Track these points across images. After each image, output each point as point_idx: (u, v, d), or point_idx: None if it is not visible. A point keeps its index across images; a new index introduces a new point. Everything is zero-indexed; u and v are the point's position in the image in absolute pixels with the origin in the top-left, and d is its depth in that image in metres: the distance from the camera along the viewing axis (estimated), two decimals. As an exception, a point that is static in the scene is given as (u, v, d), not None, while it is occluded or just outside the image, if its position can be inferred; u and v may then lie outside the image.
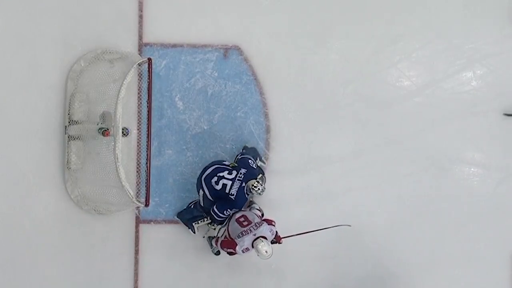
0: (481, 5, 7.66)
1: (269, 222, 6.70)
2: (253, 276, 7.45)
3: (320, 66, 7.53)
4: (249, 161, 6.90)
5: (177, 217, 7.27)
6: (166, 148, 7.34)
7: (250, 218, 6.70)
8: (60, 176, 7.18)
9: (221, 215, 6.77)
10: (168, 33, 7.34)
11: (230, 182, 6.71)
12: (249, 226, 6.60)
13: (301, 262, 7.48)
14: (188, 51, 7.38)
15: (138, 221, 7.33)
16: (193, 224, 7.17)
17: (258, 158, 7.30)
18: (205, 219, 7.14)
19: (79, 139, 7.10)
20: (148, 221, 7.33)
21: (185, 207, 7.25)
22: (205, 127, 7.41)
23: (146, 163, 6.94)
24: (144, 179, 6.98)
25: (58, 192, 7.18)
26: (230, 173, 6.74)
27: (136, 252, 7.30)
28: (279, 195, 7.44)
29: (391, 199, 7.57)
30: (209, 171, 6.82)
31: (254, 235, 6.55)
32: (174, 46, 7.35)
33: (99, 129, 6.80)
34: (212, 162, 6.96)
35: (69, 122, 7.10)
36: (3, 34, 7.08)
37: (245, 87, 7.45)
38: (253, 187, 6.65)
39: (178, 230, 7.26)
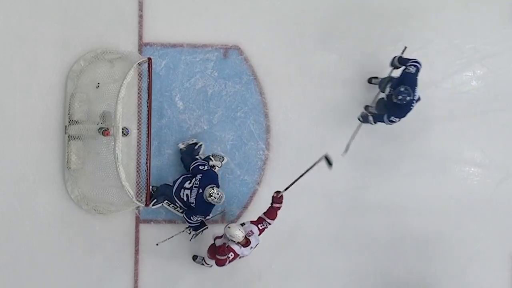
0: (481, 5, 7.67)
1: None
2: (253, 277, 7.44)
3: (320, 66, 7.54)
4: (200, 167, 6.90)
5: (159, 188, 7.22)
6: (166, 148, 7.34)
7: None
8: (60, 176, 7.18)
9: (190, 221, 6.92)
10: (168, 33, 7.34)
11: (189, 191, 6.80)
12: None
13: (299, 263, 7.49)
14: (188, 51, 7.38)
15: (138, 221, 7.32)
16: (163, 203, 7.21)
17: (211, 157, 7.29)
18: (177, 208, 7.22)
19: (79, 139, 7.10)
20: (148, 221, 7.33)
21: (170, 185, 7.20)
22: (205, 127, 7.41)
23: (146, 163, 6.94)
24: (144, 179, 6.98)
25: (58, 192, 7.18)
26: (190, 182, 6.83)
27: (136, 252, 7.30)
28: (279, 195, 7.44)
29: (390, 199, 7.57)
30: (177, 185, 6.91)
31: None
32: (174, 46, 7.35)
33: (99, 129, 6.80)
34: (181, 174, 7.02)
35: (69, 122, 7.10)
36: (3, 34, 7.08)
37: (245, 87, 7.45)
38: (209, 195, 6.68)
39: (178, 230, 7.25)
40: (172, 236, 7.13)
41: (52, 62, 7.16)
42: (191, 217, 6.87)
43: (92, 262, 7.22)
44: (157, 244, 7.17)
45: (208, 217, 6.98)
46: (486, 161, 7.69)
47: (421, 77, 7.61)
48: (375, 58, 7.59)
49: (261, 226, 6.66)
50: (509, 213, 7.71)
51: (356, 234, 7.52)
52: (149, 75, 6.91)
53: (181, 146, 7.28)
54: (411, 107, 6.81)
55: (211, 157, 7.23)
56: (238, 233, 6.43)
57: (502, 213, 7.69)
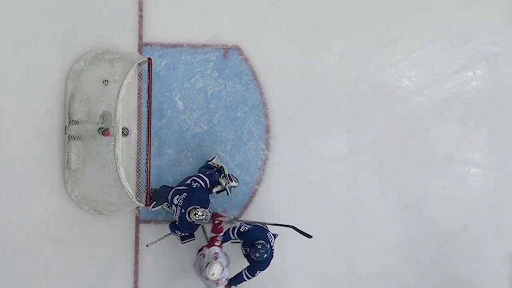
0: (481, 5, 7.66)
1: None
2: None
3: (320, 66, 7.54)
4: (192, 183, 6.65)
5: (158, 190, 7.15)
6: (166, 148, 7.34)
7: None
8: (60, 176, 7.18)
9: (174, 233, 6.80)
10: (168, 33, 7.34)
11: (175, 207, 6.57)
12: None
13: (299, 262, 7.49)
14: (188, 51, 7.38)
15: (138, 221, 7.33)
16: (163, 205, 7.08)
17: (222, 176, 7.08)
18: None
19: (79, 139, 7.10)
20: (148, 221, 7.33)
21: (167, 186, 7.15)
22: (205, 127, 7.41)
23: (146, 163, 6.95)
24: (144, 179, 6.98)
25: (58, 192, 7.18)
26: (177, 199, 6.58)
27: (136, 252, 7.30)
28: (279, 195, 7.44)
29: (390, 199, 7.57)
30: (170, 196, 6.70)
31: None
32: (174, 46, 7.35)
33: (99, 129, 6.80)
34: (175, 185, 6.84)
35: (69, 122, 7.10)
36: (3, 34, 7.08)
37: (245, 87, 7.45)
38: (194, 217, 6.41)
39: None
40: (162, 238, 7.02)
41: (52, 62, 7.16)
42: (175, 231, 6.72)
43: (92, 262, 7.22)
44: (147, 245, 7.09)
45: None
46: (486, 161, 7.69)
47: (421, 77, 7.67)
48: (375, 58, 7.60)
49: (218, 243, 6.71)
50: (509, 213, 7.71)
51: (355, 235, 7.52)
52: (149, 75, 6.92)
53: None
54: (272, 255, 6.72)
55: (227, 175, 7.02)
56: (216, 269, 6.45)
57: (502, 213, 7.69)
